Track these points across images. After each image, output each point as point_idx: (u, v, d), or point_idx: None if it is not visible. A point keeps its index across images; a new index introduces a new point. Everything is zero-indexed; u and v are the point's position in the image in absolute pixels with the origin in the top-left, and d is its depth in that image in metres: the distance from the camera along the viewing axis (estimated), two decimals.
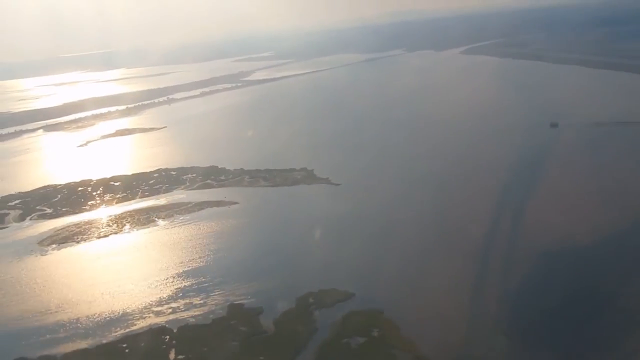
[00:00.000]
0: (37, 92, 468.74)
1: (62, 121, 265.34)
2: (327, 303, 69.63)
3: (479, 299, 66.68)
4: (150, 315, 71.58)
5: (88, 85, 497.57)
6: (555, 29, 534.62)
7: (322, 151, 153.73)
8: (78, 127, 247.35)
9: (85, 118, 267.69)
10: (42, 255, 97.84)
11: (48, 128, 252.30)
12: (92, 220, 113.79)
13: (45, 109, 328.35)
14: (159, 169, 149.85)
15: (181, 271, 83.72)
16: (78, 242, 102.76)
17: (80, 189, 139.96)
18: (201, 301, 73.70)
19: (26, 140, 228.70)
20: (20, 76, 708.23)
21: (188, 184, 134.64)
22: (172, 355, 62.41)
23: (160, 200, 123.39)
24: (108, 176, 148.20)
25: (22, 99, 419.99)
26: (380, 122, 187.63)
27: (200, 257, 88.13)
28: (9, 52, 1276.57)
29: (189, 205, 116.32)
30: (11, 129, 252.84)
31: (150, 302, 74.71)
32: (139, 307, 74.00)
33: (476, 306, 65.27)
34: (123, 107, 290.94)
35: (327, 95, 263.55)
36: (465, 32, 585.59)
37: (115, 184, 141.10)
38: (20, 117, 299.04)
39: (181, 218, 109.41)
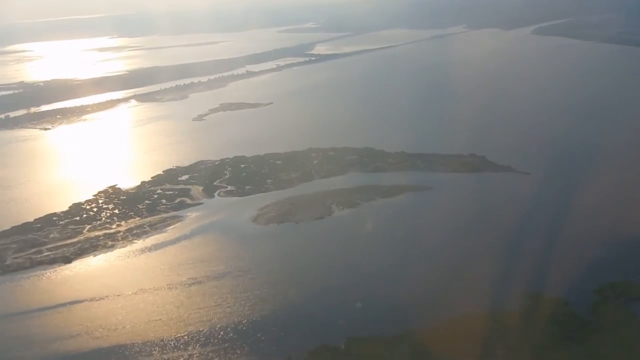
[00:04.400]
0: (86, 58, 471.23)
1: (150, 91, 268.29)
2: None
3: None
4: None
5: (135, 52, 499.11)
6: (620, 8, 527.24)
7: (472, 134, 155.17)
8: (172, 99, 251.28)
9: (171, 89, 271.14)
10: (271, 234, 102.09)
11: (139, 98, 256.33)
12: (291, 199, 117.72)
13: (115, 76, 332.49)
14: (310, 148, 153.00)
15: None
16: (297, 223, 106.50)
17: (242, 165, 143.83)
18: None
19: (128, 110, 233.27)
20: (45, 39, 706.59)
21: (356, 166, 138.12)
22: None
23: (343, 181, 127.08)
24: (261, 154, 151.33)
25: (78, 64, 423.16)
26: (515, 103, 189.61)
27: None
28: (14, 13, 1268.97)
29: (383, 189, 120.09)
30: (102, 97, 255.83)
31: None
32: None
33: None
34: (204, 78, 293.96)
35: (427, 73, 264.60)
36: (516, 9, 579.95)
37: (277, 162, 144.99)
38: (94, 84, 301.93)
39: (384, 201, 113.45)
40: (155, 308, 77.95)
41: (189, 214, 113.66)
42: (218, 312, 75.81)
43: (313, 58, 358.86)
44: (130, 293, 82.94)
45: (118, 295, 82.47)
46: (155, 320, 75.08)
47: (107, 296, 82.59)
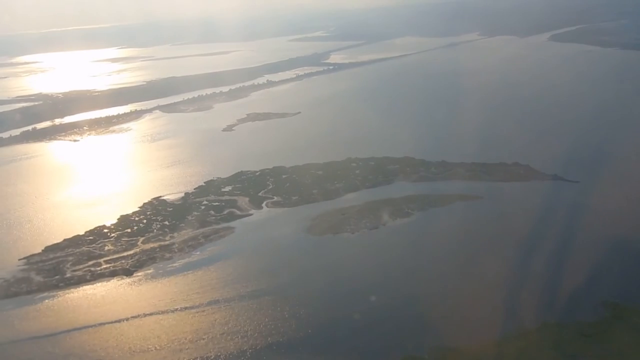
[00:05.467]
0: (99, 69, 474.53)
1: (172, 102, 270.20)
2: None
3: None
4: None
5: (148, 62, 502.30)
6: (632, 14, 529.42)
7: (511, 142, 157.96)
8: (196, 110, 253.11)
9: (194, 100, 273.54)
10: (329, 244, 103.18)
11: (163, 109, 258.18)
12: (342, 210, 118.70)
13: (133, 87, 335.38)
14: (348, 158, 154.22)
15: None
16: (352, 233, 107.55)
17: (284, 176, 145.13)
18: None
19: (154, 121, 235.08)
20: (52, 50, 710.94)
21: (400, 175, 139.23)
22: None
23: (389, 191, 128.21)
24: (300, 164, 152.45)
25: (93, 75, 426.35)
26: (550, 110, 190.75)
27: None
28: (19, 23, 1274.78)
29: (433, 198, 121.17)
30: (125, 108, 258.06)
31: None
32: None
33: None
34: (225, 88, 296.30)
35: (452, 81, 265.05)
36: (528, 16, 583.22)
37: (318, 172, 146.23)
38: (114, 95, 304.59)
39: (436, 210, 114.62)
40: (232, 319, 78.68)
41: (240, 225, 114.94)
42: (295, 323, 76.84)
43: (331, 67, 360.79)
44: (204, 304, 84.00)
45: (190, 307, 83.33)
46: (233, 332, 76.05)
47: (179, 308, 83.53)
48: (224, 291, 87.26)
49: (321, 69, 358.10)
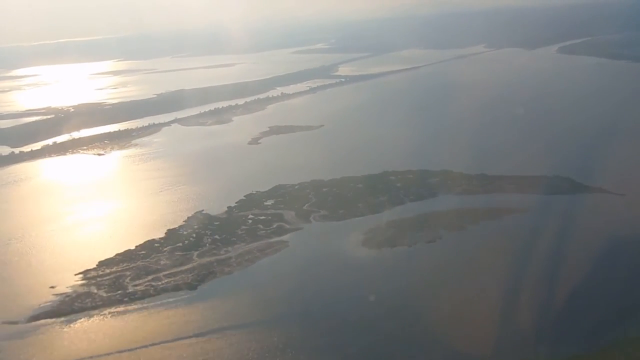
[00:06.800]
0: (102, 82, 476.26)
1: (189, 115, 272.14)
2: None
3: None
4: None
5: (151, 75, 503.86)
6: (637, 26, 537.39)
7: (547, 154, 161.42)
8: (215, 123, 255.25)
9: (211, 113, 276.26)
10: (389, 258, 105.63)
11: (181, 122, 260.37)
12: (393, 223, 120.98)
13: (143, 101, 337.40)
14: (385, 171, 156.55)
15: None
16: (410, 247, 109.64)
17: (324, 189, 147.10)
18: None
19: (175, 134, 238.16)
20: (49, 62, 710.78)
21: (442, 188, 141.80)
22: None
23: (435, 204, 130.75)
24: (337, 177, 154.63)
25: (98, 88, 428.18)
26: (580, 122, 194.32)
27: None
28: (10, 36, 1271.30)
29: (481, 212, 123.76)
30: (142, 122, 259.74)
31: None
32: None
33: None
34: (240, 101, 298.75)
35: (471, 93, 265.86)
36: (532, 28, 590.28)
37: (358, 185, 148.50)
38: (127, 109, 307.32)
39: (488, 224, 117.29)
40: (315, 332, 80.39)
41: (293, 239, 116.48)
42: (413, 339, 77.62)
43: (342, 79, 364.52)
44: (284, 317, 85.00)
45: (269, 321, 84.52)
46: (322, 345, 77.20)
47: (256, 321, 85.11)
48: (304, 306, 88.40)
49: (332, 81, 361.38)
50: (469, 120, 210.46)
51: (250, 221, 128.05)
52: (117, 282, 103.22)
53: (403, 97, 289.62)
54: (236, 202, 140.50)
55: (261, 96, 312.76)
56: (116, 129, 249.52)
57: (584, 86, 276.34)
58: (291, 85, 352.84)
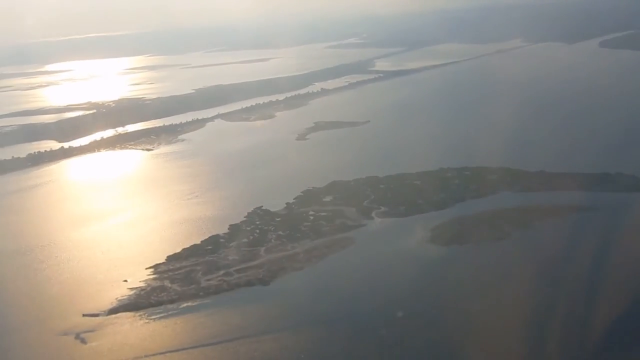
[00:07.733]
0: (137, 77, 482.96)
1: (232, 110, 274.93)
2: None
3: None
4: None
5: (186, 70, 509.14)
6: None
7: (606, 151, 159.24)
8: (259, 118, 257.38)
9: (252, 108, 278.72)
10: (461, 254, 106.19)
11: (225, 117, 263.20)
12: (458, 220, 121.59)
13: (183, 96, 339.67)
14: (441, 168, 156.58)
15: None
16: (478, 243, 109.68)
17: (381, 185, 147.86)
18: None
19: (220, 130, 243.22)
20: (79, 57, 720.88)
21: (502, 185, 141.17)
22: None
23: (498, 201, 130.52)
24: (392, 174, 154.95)
25: (135, 84, 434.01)
26: (633, 123, 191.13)
27: None
28: (36, 30, 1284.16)
29: (547, 209, 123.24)
30: (185, 117, 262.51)
31: None
32: None
33: None
34: (281, 97, 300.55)
35: (520, 89, 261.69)
36: (569, 21, 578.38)
37: (415, 182, 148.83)
38: (168, 104, 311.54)
39: (556, 221, 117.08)
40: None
41: (358, 236, 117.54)
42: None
43: (381, 75, 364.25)
44: (367, 315, 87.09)
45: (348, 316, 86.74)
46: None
47: (337, 318, 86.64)
48: (383, 303, 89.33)
49: (371, 76, 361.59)
50: (519, 116, 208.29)
51: (311, 217, 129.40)
52: (190, 276, 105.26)
53: (446, 92, 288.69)
54: (294, 199, 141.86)
55: (301, 92, 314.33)
56: (160, 124, 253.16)
57: (634, 82, 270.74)
58: (329, 81, 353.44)
